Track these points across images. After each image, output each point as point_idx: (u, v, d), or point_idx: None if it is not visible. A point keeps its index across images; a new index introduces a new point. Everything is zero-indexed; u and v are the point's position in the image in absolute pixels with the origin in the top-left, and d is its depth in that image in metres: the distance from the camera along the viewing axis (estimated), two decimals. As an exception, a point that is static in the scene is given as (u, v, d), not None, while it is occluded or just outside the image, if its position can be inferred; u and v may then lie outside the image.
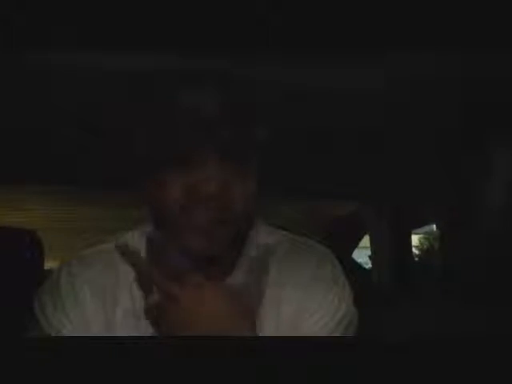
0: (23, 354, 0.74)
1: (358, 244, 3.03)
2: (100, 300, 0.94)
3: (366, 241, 2.85)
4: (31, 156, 1.45)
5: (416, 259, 3.85)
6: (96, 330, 0.93)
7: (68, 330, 0.92)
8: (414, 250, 2.81)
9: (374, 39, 0.79)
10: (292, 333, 0.92)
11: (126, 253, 0.94)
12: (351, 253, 3.01)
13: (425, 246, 6.68)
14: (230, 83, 0.89)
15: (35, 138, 1.31)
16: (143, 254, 0.97)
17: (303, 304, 0.94)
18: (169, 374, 0.73)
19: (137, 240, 0.99)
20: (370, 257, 2.86)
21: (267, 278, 0.96)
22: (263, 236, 1.01)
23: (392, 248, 2.45)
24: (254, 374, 0.73)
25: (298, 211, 2.78)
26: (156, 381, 0.73)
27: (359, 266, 2.98)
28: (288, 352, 0.75)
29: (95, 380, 0.72)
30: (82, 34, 0.80)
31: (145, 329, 0.91)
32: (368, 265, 3.35)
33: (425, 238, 6.85)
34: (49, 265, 1.84)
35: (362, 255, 3.48)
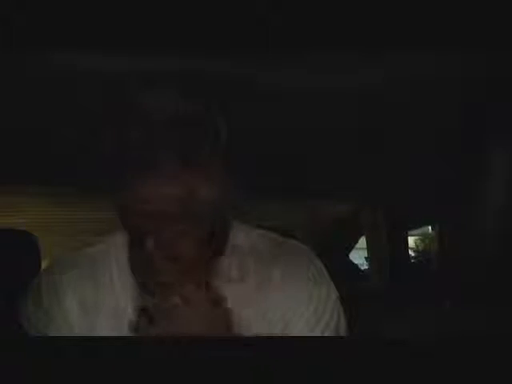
0: (19, 354, 0.74)
1: (355, 245, 3.03)
2: (81, 302, 0.95)
3: (362, 242, 2.86)
4: (31, 157, 1.45)
5: (412, 260, 3.85)
6: (79, 332, 0.93)
7: (50, 332, 0.92)
8: (409, 251, 2.82)
9: (374, 39, 0.79)
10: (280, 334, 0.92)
11: (109, 256, 0.97)
12: (348, 254, 3.02)
13: (420, 248, 6.68)
14: (194, 84, 0.88)
15: (34, 139, 1.31)
16: (125, 257, 0.98)
17: (287, 305, 0.94)
18: (167, 374, 0.73)
19: (118, 242, 1.00)
20: (366, 258, 2.87)
21: (248, 279, 0.96)
22: (241, 236, 1.00)
23: (388, 249, 2.46)
24: (251, 373, 0.73)
25: (297, 212, 2.78)
26: (153, 381, 0.73)
27: (356, 268, 2.98)
28: (285, 351, 0.75)
29: (90, 380, 0.72)
30: (82, 34, 0.80)
31: (127, 331, 0.91)
32: (364, 266, 3.36)
33: (420, 240, 6.85)
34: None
35: (359, 256, 3.48)
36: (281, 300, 0.94)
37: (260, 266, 0.97)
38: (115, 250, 0.98)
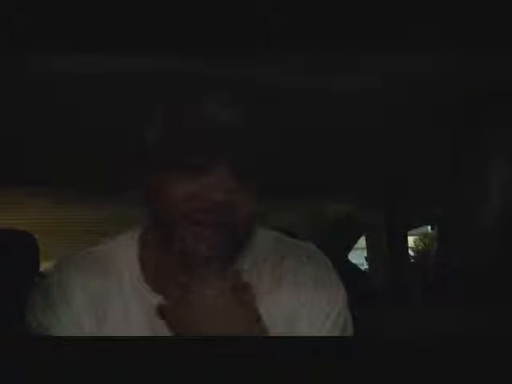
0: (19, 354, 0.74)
1: (354, 245, 3.03)
2: (91, 303, 0.94)
3: (362, 242, 2.86)
4: (29, 157, 1.44)
5: (411, 260, 3.86)
6: (88, 332, 0.93)
7: (58, 332, 0.92)
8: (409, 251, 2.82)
9: (374, 39, 0.79)
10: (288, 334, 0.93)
11: (119, 256, 0.97)
12: (347, 254, 3.02)
13: (420, 248, 6.70)
14: (250, 93, 0.90)
15: (34, 140, 1.30)
16: (136, 256, 0.98)
17: (297, 306, 0.95)
18: (168, 374, 0.73)
19: (128, 242, 1.00)
20: (366, 258, 2.87)
21: (261, 280, 0.97)
22: (257, 238, 1.01)
23: (388, 249, 2.46)
24: (255, 373, 0.73)
25: (296, 212, 2.78)
26: (155, 381, 0.73)
27: (355, 267, 2.98)
28: (288, 351, 0.75)
29: (93, 380, 0.72)
30: (83, 34, 0.80)
31: (137, 330, 0.92)
32: (364, 266, 3.36)
33: (420, 240, 6.87)
34: (45, 266, 1.83)
35: (358, 256, 3.49)
36: (289, 300, 0.95)
37: (273, 268, 0.97)
38: (125, 249, 0.99)
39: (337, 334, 0.95)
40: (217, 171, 0.86)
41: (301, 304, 0.95)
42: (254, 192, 0.90)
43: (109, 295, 0.95)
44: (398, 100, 1.11)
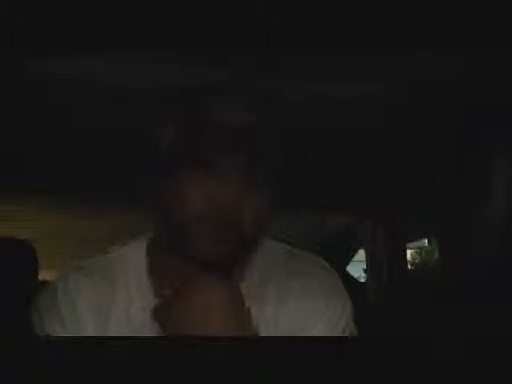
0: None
1: (352, 257, 3.03)
2: (97, 311, 0.94)
3: (360, 254, 2.86)
4: (29, 166, 1.44)
5: (409, 273, 3.86)
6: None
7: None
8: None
9: (377, 39, 0.80)
10: None
11: (125, 264, 0.97)
12: (346, 266, 3.01)
13: (417, 261, 6.72)
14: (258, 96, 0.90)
15: (32, 147, 1.30)
16: (143, 264, 0.98)
17: (305, 317, 0.95)
18: (169, 374, 0.72)
19: (135, 251, 1.00)
20: (364, 270, 2.86)
21: (268, 291, 0.97)
22: (265, 248, 1.01)
23: (387, 262, 2.46)
24: (254, 373, 0.72)
25: (296, 224, 2.77)
26: (156, 381, 0.72)
27: (354, 280, 2.98)
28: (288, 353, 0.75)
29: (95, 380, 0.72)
30: (83, 36, 0.80)
31: (140, 333, 0.91)
32: (362, 278, 3.35)
33: (417, 253, 6.90)
34: (45, 276, 1.83)
35: (357, 269, 3.48)
36: (295, 312, 0.95)
37: (282, 279, 0.97)
38: (132, 255, 0.99)
39: None
40: (227, 173, 0.86)
41: (308, 316, 0.95)
42: (265, 194, 0.90)
43: (115, 301, 0.95)
44: (400, 112, 1.11)
